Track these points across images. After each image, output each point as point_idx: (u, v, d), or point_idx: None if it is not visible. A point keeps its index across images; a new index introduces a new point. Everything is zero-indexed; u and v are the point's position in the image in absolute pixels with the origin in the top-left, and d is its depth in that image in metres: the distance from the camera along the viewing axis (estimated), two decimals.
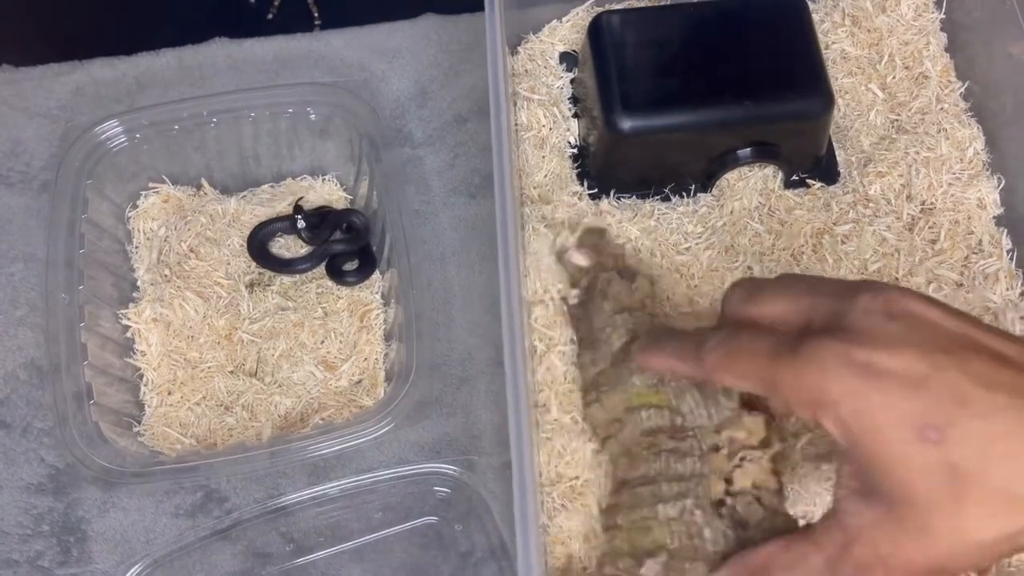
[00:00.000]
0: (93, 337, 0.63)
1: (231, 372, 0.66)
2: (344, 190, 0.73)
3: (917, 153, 0.67)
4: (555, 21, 0.73)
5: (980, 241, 0.65)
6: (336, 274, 0.69)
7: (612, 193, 0.67)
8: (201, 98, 0.70)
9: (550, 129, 0.69)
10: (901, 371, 0.39)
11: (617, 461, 0.55)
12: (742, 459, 0.53)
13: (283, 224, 0.70)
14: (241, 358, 0.66)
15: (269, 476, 0.64)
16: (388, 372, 0.66)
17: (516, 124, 0.69)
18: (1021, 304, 0.63)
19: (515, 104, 0.69)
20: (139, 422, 0.64)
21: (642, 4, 0.73)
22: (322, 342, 0.67)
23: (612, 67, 0.64)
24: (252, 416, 0.64)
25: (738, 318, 0.47)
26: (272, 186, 0.73)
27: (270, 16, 0.81)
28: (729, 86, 0.63)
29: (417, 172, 0.73)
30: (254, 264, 0.69)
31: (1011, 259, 0.65)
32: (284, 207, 0.71)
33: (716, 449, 0.53)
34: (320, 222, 0.69)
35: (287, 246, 0.71)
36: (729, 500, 0.51)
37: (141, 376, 0.66)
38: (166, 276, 0.67)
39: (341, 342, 0.67)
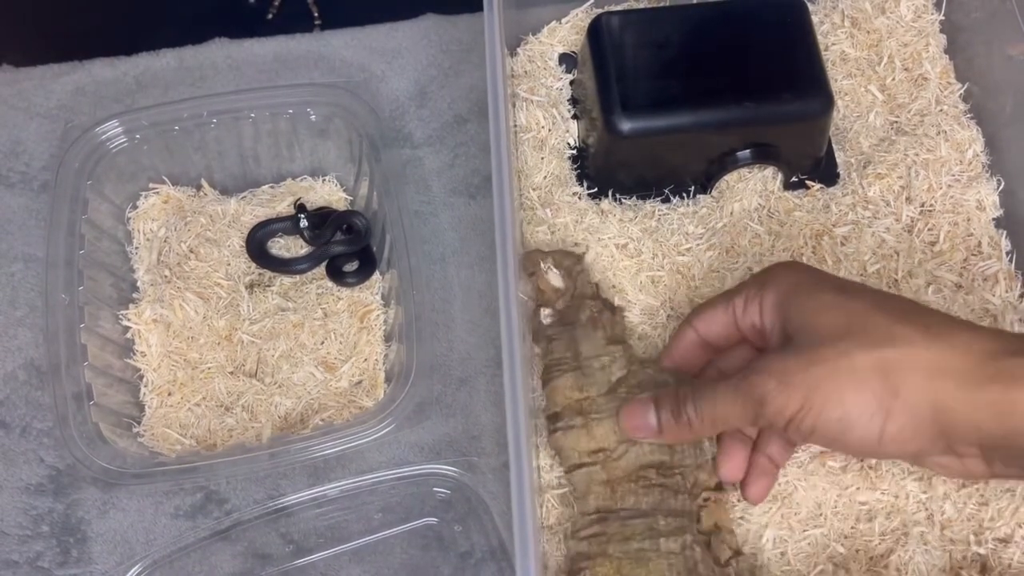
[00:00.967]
0: (93, 338, 0.63)
1: (231, 373, 0.66)
2: (344, 191, 0.73)
3: (916, 155, 0.67)
4: (554, 22, 0.73)
5: (979, 243, 0.65)
6: (336, 275, 0.69)
7: (611, 194, 0.67)
8: (201, 98, 0.70)
9: (549, 130, 0.69)
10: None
11: (590, 489, 0.55)
12: (706, 500, 0.54)
13: (284, 224, 0.70)
14: (241, 359, 0.66)
15: (269, 477, 0.64)
16: (388, 373, 0.66)
17: (515, 125, 0.69)
18: (1020, 306, 0.63)
19: (514, 105, 0.69)
20: (139, 423, 0.64)
21: (641, 5, 0.73)
22: (322, 343, 0.67)
23: (611, 68, 0.64)
24: (252, 417, 0.64)
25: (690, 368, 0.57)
26: (272, 187, 0.73)
27: (270, 16, 0.81)
28: (729, 87, 0.63)
29: (417, 172, 0.73)
30: (254, 265, 0.69)
31: (1010, 261, 0.65)
32: (284, 207, 0.71)
33: (692, 487, 0.54)
34: (322, 223, 0.70)
35: (286, 246, 0.71)
36: (702, 539, 0.53)
37: (141, 377, 0.66)
38: (166, 277, 0.67)
39: (341, 343, 0.67)
